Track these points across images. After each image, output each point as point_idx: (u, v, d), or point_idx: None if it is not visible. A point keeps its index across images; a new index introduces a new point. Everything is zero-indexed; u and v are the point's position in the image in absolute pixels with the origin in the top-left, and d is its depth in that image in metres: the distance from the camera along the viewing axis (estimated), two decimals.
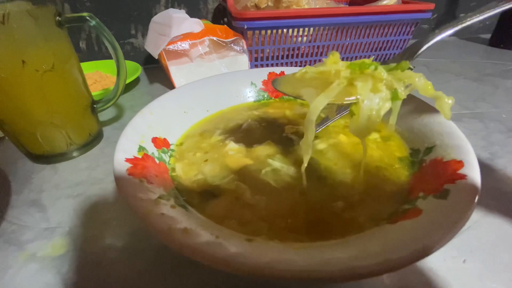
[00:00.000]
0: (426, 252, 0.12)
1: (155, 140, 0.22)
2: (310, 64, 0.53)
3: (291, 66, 0.52)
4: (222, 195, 0.20)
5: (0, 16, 0.22)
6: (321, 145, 0.25)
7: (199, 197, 0.20)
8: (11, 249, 0.22)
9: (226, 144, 0.25)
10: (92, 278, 0.19)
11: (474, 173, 0.16)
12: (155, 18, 0.47)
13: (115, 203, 0.25)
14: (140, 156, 0.19)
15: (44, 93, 0.26)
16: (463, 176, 0.16)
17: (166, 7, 0.59)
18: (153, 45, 0.44)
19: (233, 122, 0.29)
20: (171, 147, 0.24)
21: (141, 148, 0.20)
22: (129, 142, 0.20)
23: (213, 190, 0.20)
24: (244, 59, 0.46)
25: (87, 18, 0.27)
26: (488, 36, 0.70)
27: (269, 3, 0.51)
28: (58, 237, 0.22)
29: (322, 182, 0.21)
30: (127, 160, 0.18)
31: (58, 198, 0.26)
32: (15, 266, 0.20)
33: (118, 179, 0.16)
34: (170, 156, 0.23)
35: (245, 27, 0.44)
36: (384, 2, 0.51)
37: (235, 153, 0.24)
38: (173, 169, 0.22)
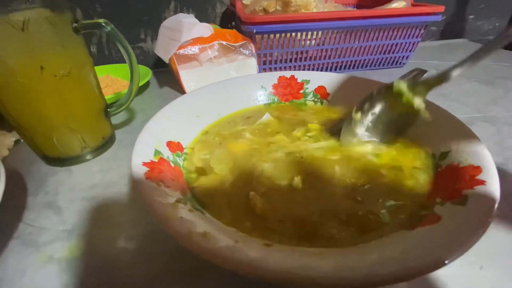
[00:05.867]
0: (446, 260, 0.12)
1: (169, 144, 0.23)
2: (318, 68, 0.53)
3: (300, 69, 0.52)
4: (209, 176, 0.23)
5: (20, 23, 0.23)
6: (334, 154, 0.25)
7: (195, 172, 0.23)
8: (28, 251, 0.22)
9: (244, 135, 0.27)
10: (108, 281, 0.20)
11: (493, 179, 0.16)
12: (165, 23, 0.48)
13: (129, 206, 0.26)
14: (156, 160, 0.20)
15: (61, 97, 0.27)
16: (482, 182, 0.16)
17: (175, 12, 0.60)
18: (164, 50, 0.44)
19: (256, 117, 0.31)
20: (185, 150, 0.25)
21: (157, 152, 0.20)
22: (145, 146, 0.20)
23: (207, 170, 0.23)
24: (253, 62, 0.47)
25: (103, 24, 0.27)
26: None
27: (278, 7, 0.51)
28: (74, 239, 0.23)
29: (336, 187, 0.21)
30: (144, 164, 0.18)
31: (73, 200, 0.26)
32: (33, 267, 0.21)
33: (137, 183, 0.16)
34: (184, 159, 0.24)
35: (254, 31, 0.45)
36: (394, 5, 0.51)
37: (244, 141, 0.27)
38: (189, 171, 0.23)
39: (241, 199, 0.20)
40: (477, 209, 0.14)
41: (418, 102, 0.22)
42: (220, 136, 0.28)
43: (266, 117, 0.31)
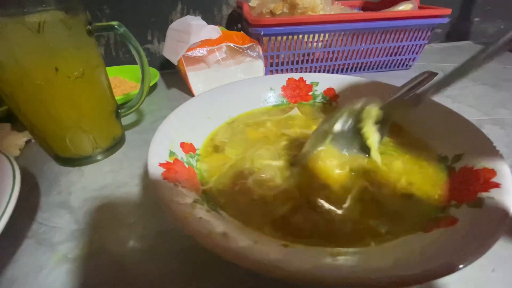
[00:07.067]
0: (464, 262, 0.12)
1: (183, 145, 0.23)
2: (325, 70, 0.53)
3: (306, 71, 0.52)
4: (218, 154, 0.25)
5: (36, 25, 0.23)
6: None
7: (212, 147, 0.26)
8: (43, 250, 0.22)
9: (266, 125, 0.29)
10: (120, 279, 0.20)
11: (508, 182, 0.16)
12: (173, 25, 0.48)
13: (140, 205, 0.26)
14: (171, 161, 0.20)
15: (74, 98, 0.27)
16: (497, 185, 0.16)
17: (182, 14, 0.60)
18: (172, 52, 0.45)
19: (287, 111, 0.32)
20: (197, 151, 0.25)
21: (171, 153, 0.21)
22: (160, 147, 0.20)
23: (220, 149, 0.26)
24: (260, 64, 0.47)
25: (116, 26, 0.28)
26: None
27: (285, 10, 0.52)
28: (87, 238, 0.23)
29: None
30: (161, 164, 0.18)
31: (86, 200, 0.27)
32: (48, 266, 0.21)
33: (154, 184, 0.17)
34: (197, 160, 0.24)
35: (262, 33, 0.45)
36: (400, 8, 0.51)
37: (263, 129, 0.28)
38: (200, 172, 0.24)
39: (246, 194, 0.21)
40: (494, 211, 0.14)
41: (373, 141, 0.22)
42: (244, 124, 0.30)
43: (294, 112, 0.32)
